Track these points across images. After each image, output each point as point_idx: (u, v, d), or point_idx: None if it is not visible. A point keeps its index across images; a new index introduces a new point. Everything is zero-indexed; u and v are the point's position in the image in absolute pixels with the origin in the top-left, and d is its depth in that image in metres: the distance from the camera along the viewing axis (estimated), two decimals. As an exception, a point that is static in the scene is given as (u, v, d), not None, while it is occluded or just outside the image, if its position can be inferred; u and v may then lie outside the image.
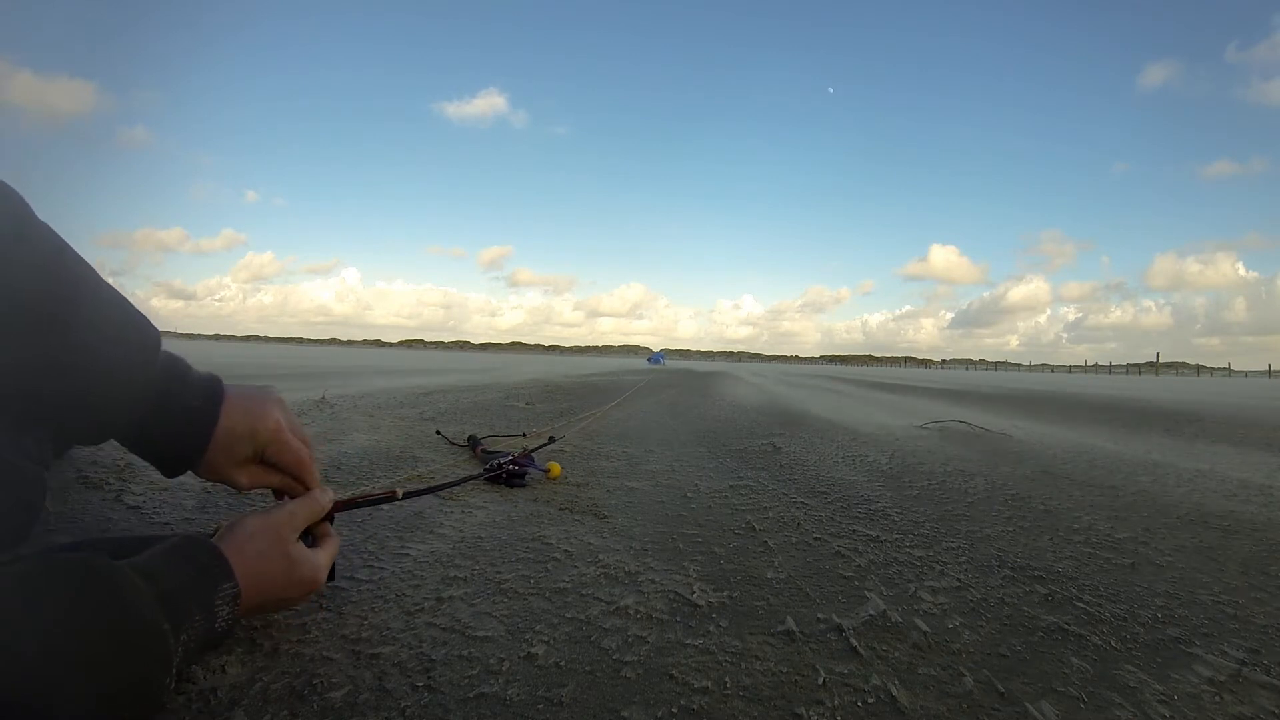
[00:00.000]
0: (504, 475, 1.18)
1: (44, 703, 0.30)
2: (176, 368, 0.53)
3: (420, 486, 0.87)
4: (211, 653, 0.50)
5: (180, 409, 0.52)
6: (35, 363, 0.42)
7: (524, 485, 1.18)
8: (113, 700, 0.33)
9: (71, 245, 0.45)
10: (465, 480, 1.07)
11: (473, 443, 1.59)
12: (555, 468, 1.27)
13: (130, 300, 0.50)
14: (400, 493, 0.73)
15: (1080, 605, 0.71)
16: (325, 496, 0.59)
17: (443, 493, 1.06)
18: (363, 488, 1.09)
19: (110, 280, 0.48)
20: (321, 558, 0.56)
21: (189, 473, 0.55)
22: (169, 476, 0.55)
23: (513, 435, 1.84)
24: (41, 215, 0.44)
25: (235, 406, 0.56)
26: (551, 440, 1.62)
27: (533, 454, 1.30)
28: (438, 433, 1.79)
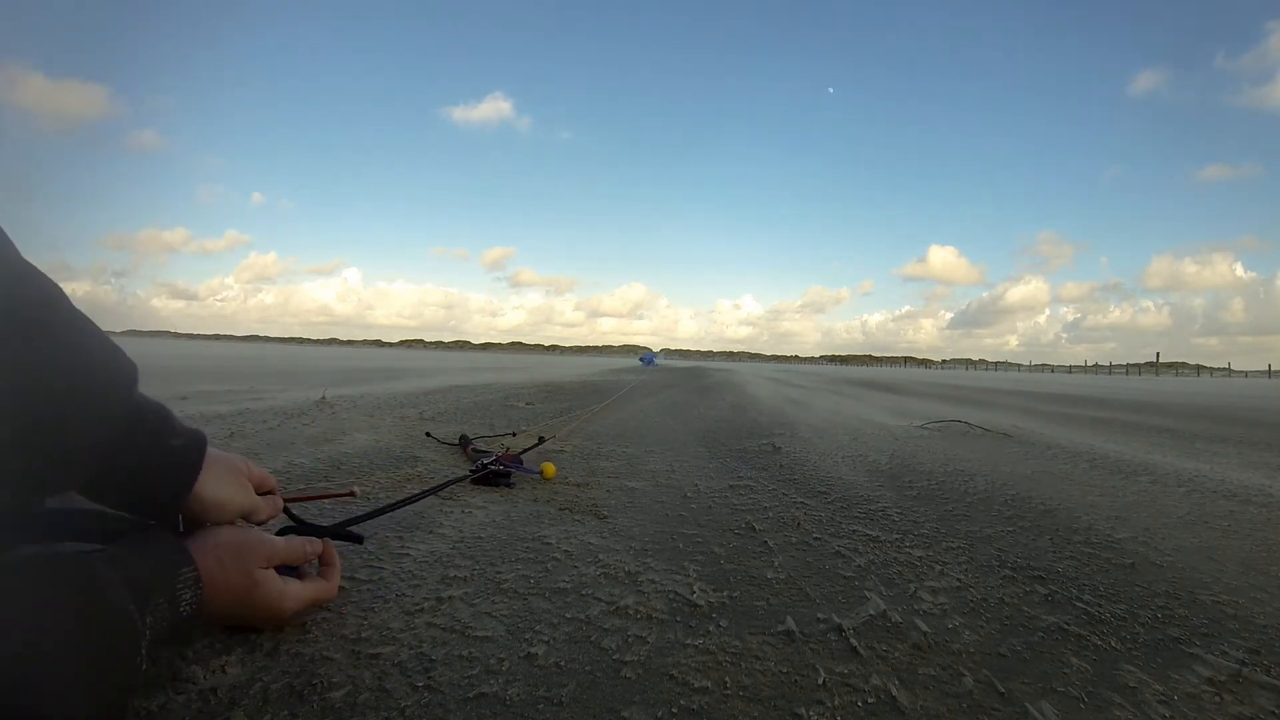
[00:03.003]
0: (490, 476, 1.17)
1: (16, 688, 0.30)
2: (159, 411, 0.51)
3: (376, 506, 0.80)
4: (184, 642, 0.51)
5: (163, 448, 0.50)
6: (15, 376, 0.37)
7: (510, 486, 1.17)
8: (85, 684, 0.34)
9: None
10: (441, 488, 1.02)
11: (464, 442, 1.58)
12: (550, 468, 1.27)
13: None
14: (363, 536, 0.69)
15: (1080, 605, 0.71)
16: (311, 547, 0.59)
17: (441, 492, 1.05)
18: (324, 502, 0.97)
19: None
20: (292, 588, 0.54)
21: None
22: (150, 520, 0.51)
23: (503, 435, 1.83)
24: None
25: (224, 464, 0.55)
26: (541, 441, 1.62)
27: (521, 455, 1.30)
28: (428, 434, 1.78)
